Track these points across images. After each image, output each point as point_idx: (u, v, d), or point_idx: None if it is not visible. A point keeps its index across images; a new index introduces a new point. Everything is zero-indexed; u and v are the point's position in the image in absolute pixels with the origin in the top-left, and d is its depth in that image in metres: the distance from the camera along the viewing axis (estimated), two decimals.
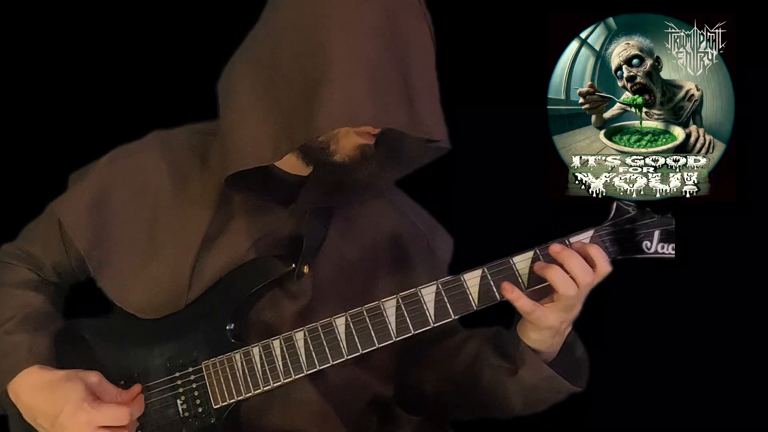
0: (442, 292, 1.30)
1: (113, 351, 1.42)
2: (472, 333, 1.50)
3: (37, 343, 1.38)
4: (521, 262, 1.28)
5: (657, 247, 1.28)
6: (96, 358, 1.42)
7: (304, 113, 1.27)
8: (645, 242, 1.29)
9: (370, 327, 1.32)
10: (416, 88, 1.30)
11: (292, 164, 1.44)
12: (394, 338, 1.31)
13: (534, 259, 1.28)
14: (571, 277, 1.24)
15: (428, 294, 1.30)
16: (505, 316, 1.37)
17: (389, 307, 1.31)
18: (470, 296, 1.29)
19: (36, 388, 1.34)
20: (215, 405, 1.38)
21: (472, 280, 1.30)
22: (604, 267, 1.26)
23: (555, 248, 1.26)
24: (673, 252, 1.29)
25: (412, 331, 1.31)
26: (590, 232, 1.29)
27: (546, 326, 1.28)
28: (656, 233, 1.28)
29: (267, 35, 1.36)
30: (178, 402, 1.39)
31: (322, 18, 1.28)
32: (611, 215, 1.30)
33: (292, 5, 1.32)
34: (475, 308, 1.30)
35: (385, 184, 1.52)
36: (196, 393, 1.39)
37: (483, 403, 1.43)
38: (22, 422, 1.41)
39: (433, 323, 1.30)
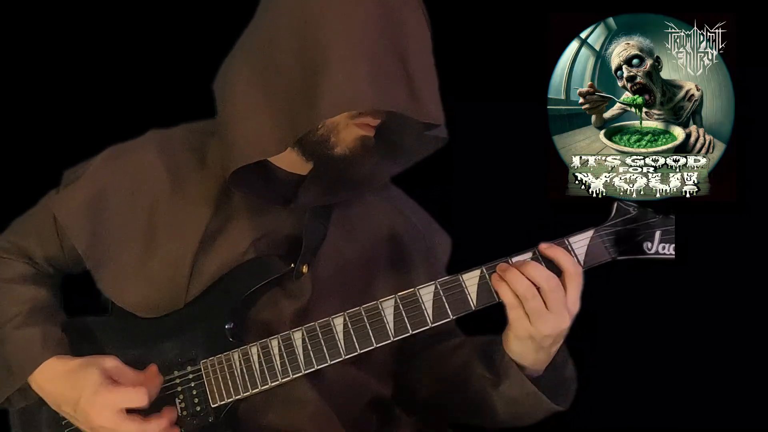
0: (441, 292, 1.30)
1: (112, 350, 1.42)
2: (467, 339, 1.50)
3: (50, 335, 1.39)
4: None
5: (658, 247, 1.28)
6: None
7: (305, 102, 1.28)
8: (646, 243, 1.28)
9: (368, 327, 1.32)
10: (415, 74, 1.31)
11: (291, 162, 1.44)
12: (392, 338, 1.31)
13: (533, 259, 1.28)
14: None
15: (426, 294, 1.30)
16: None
17: (387, 307, 1.31)
18: (469, 296, 1.29)
19: (56, 377, 1.36)
20: (213, 404, 1.38)
21: (470, 280, 1.29)
22: (571, 268, 1.25)
23: (501, 267, 1.27)
24: (674, 253, 1.28)
25: (410, 331, 1.31)
26: (590, 233, 1.29)
27: (525, 333, 1.26)
28: (657, 233, 1.28)
29: (263, 29, 1.37)
30: (177, 401, 1.39)
31: (318, 7, 1.29)
32: (612, 215, 1.30)
33: None
34: (473, 308, 1.30)
35: (384, 179, 1.52)
36: (194, 392, 1.38)
37: (472, 410, 1.43)
38: (23, 421, 1.43)
39: (432, 323, 1.30)
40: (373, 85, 1.27)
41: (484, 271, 1.29)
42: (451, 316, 1.30)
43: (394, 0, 1.31)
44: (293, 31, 1.31)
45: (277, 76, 1.32)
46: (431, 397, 1.51)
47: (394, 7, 1.31)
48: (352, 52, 1.27)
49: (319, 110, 1.27)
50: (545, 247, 1.27)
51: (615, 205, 1.30)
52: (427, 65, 1.35)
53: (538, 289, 1.24)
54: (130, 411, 1.32)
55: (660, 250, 1.28)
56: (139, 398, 1.32)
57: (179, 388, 1.39)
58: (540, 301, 1.24)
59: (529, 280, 1.24)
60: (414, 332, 1.31)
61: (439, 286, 1.30)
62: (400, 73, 1.30)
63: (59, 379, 1.35)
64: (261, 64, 1.34)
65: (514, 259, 1.29)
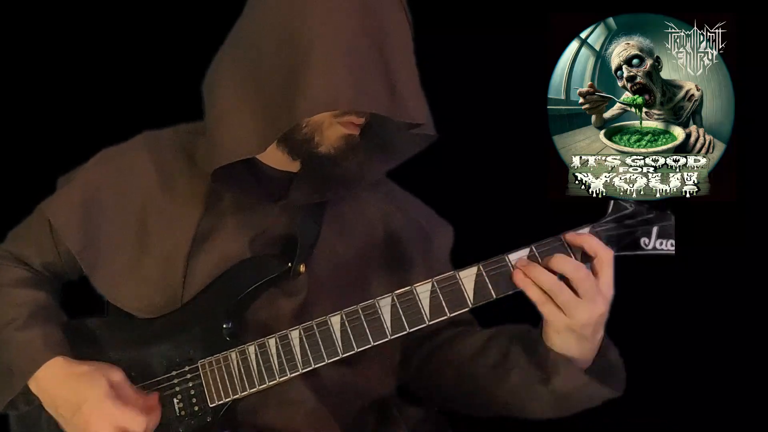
0: (438, 289, 1.30)
1: (110, 350, 1.42)
2: (498, 330, 1.47)
3: (51, 336, 1.39)
4: (517, 259, 1.28)
5: (655, 243, 1.28)
6: (94, 357, 1.41)
7: (285, 101, 1.29)
8: (643, 239, 1.29)
9: (365, 325, 1.32)
10: (396, 74, 1.32)
11: (279, 160, 1.45)
12: (389, 336, 1.31)
13: (530, 257, 1.28)
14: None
15: (423, 291, 1.30)
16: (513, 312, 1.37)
17: (384, 305, 1.31)
18: (466, 293, 1.29)
19: (60, 378, 1.35)
20: (211, 404, 1.38)
21: (467, 277, 1.29)
22: (603, 252, 1.25)
23: (521, 263, 1.26)
24: (673, 248, 1.28)
25: (408, 329, 1.31)
26: (586, 230, 1.29)
27: (562, 326, 1.26)
28: (654, 230, 1.28)
29: (248, 30, 1.38)
30: (175, 401, 1.39)
31: (300, 8, 1.30)
32: (608, 212, 1.30)
33: None
34: (470, 305, 1.29)
35: (375, 177, 1.52)
36: (192, 392, 1.38)
37: (506, 404, 1.40)
38: (22, 425, 1.43)
39: (428, 321, 1.30)
40: (352, 86, 1.27)
41: (481, 268, 1.29)
42: (449, 314, 1.30)
43: (375, 0, 1.32)
44: (276, 32, 1.31)
45: (261, 76, 1.33)
46: (458, 393, 1.48)
47: (375, 7, 1.31)
48: (333, 53, 1.28)
49: (298, 110, 1.28)
50: (572, 236, 1.27)
51: (611, 202, 1.30)
52: (408, 65, 1.36)
53: (565, 280, 1.23)
54: None
55: (658, 246, 1.28)
56: (138, 426, 1.32)
57: (177, 388, 1.39)
58: (569, 293, 1.23)
59: (555, 273, 1.24)
60: (411, 330, 1.31)
61: (436, 284, 1.30)
62: (381, 74, 1.30)
63: (63, 380, 1.35)
64: (245, 65, 1.35)
65: (511, 256, 1.29)
